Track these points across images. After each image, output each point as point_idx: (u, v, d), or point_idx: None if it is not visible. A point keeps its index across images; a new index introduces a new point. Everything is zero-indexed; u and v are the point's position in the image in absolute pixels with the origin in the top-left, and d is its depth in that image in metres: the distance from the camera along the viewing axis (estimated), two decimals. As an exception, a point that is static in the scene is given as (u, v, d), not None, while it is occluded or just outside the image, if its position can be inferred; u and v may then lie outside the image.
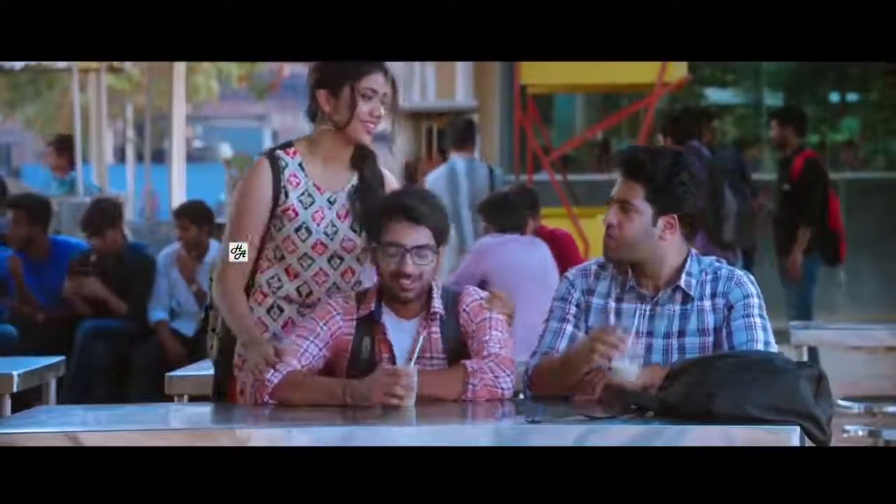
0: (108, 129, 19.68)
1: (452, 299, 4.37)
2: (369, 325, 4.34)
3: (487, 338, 4.28)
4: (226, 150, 34.88)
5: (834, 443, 3.82)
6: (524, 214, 7.53)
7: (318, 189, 4.49)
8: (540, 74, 9.00)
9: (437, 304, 4.33)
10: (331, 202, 4.50)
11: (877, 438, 6.51)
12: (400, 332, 4.33)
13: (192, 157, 22.93)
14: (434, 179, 9.76)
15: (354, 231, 4.49)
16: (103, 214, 8.61)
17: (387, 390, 4.09)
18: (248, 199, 4.47)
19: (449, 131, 10.18)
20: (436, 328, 4.33)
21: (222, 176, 20.25)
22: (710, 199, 9.15)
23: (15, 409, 5.06)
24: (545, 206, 8.22)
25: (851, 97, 16.90)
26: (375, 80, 4.43)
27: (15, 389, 5.12)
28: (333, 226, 4.48)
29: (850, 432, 6.82)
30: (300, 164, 4.50)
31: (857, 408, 6.83)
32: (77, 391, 8.19)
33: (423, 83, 17.05)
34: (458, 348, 4.32)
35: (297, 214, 4.47)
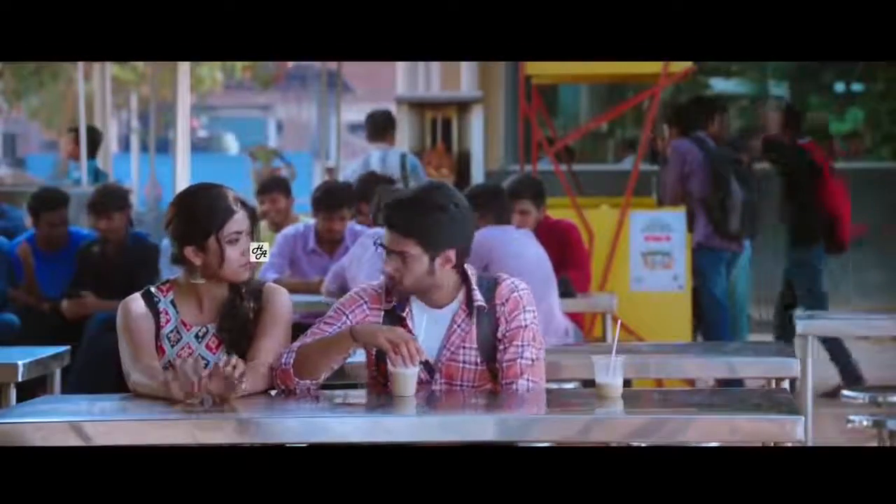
0: (113, 119, 19.67)
1: (488, 287, 4.35)
2: (396, 316, 4.33)
3: (514, 356, 4.29)
4: (230, 141, 34.87)
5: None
6: (508, 209, 7.38)
7: (186, 326, 4.39)
8: (544, 65, 8.96)
9: (478, 297, 4.32)
10: (199, 337, 4.39)
11: (881, 428, 6.46)
12: (432, 323, 4.30)
13: (197, 147, 22.95)
14: (350, 172, 10.11)
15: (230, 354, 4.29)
16: (112, 196, 8.57)
17: (394, 338, 4.11)
18: (133, 330, 4.35)
19: (366, 124, 10.42)
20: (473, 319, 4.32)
21: (226, 166, 20.26)
22: (716, 189, 9.21)
23: (20, 399, 5.08)
24: (549, 197, 8.19)
25: (856, 87, 16.87)
26: (237, 222, 4.32)
27: (20, 379, 5.13)
28: (204, 360, 4.32)
29: (855, 422, 6.79)
30: (171, 302, 4.41)
31: (861, 398, 6.79)
32: (86, 381, 8.16)
33: (427, 74, 17.02)
34: (490, 339, 4.31)
35: (163, 352, 4.38)
